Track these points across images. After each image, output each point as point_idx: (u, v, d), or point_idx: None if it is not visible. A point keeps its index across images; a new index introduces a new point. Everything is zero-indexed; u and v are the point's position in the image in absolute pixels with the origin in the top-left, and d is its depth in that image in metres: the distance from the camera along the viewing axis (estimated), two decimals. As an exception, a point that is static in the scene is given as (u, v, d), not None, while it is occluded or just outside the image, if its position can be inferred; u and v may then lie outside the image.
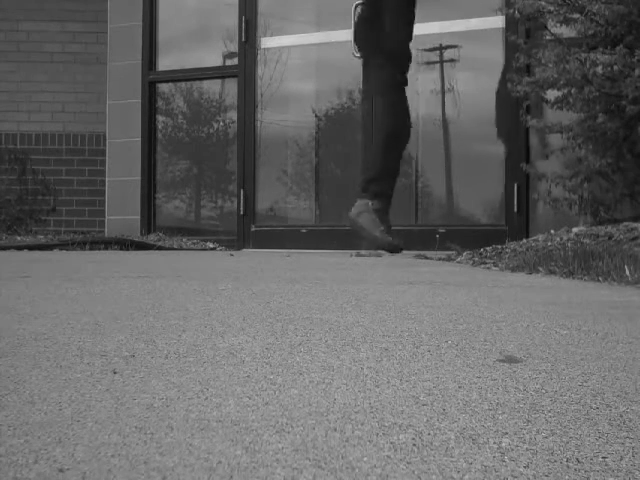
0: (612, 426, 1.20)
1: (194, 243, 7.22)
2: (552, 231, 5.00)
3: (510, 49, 6.15)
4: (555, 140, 5.44)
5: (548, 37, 5.24)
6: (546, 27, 5.22)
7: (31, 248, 6.19)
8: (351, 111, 7.48)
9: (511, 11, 5.49)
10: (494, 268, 4.28)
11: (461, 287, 3.10)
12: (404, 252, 5.89)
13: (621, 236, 4.43)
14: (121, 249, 6.30)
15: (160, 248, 6.58)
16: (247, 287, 2.96)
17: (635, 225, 4.57)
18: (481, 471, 1.00)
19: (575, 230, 4.82)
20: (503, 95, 6.40)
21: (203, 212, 8.20)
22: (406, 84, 6.02)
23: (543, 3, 5.16)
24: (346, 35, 6.57)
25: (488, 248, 4.99)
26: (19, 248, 6.18)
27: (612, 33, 5.04)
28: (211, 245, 7.23)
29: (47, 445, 1.06)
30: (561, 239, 4.63)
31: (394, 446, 1.08)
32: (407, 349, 1.75)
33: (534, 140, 6.24)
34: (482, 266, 4.45)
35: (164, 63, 7.93)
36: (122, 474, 0.96)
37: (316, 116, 7.54)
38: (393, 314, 2.26)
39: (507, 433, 1.15)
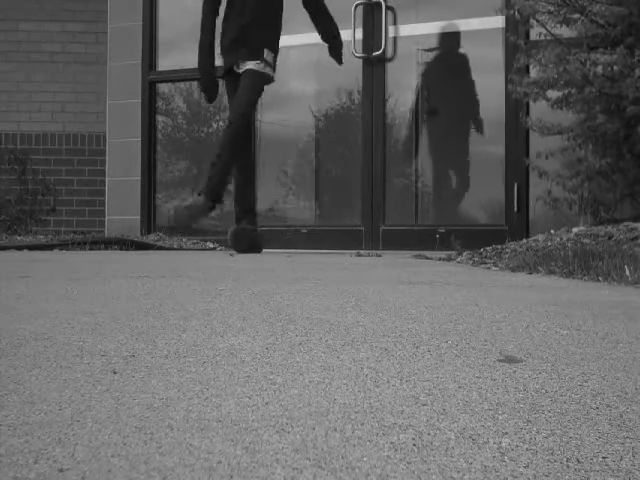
0: (612, 426, 1.20)
1: (194, 243, 7.21)
2: (552, 231, 5.00)
3: (510, 49, 6.15)
4: (555, 141, 5.44)
5: (548, 37, 5.24)
6: (546, 28, 5.22)
7: (31, 248, 6.19)
8: (351, 111, 7.48)
9: (511, 12, 5.50)
10: (494, 268, 4.28)
11: (461, 287, 3.10)
12: (404, 252, 5.88)
13: (621, 236, 4.43)
14: (121, 249, 6.29)
15: (160, 248, 6.57)
16: (247, 287, 2.96)
17: (635, 225, 4.57)
18: (481, 471, 1.00)
19: (575, 230, 4.82)
20: (503, 95, 6.41)
21: (203, 212, 8.18)
22: None
23: (543, 3, 5.17)
24: (346, 35, 6.57)
25: (488, 248, 4.99)
26: (19, 248, 6.17)
27: (612, 34, 5.05)
28: (211, 245, 7.23)
29: (47, 445, 1.06)
30: (561, 239, 4.63)
31: (394, 446, 1.08)
32: (407, 349, 1.75)
33: (534, 140, 6.24)
34: (482, 266, 4.44)
35: (164, 63, 7.93)
36: (122, 474, 0.96)
37: (315, 116, 7.54)
38: (393, 314, 2.26)
39: (507, 433, 1.15)
